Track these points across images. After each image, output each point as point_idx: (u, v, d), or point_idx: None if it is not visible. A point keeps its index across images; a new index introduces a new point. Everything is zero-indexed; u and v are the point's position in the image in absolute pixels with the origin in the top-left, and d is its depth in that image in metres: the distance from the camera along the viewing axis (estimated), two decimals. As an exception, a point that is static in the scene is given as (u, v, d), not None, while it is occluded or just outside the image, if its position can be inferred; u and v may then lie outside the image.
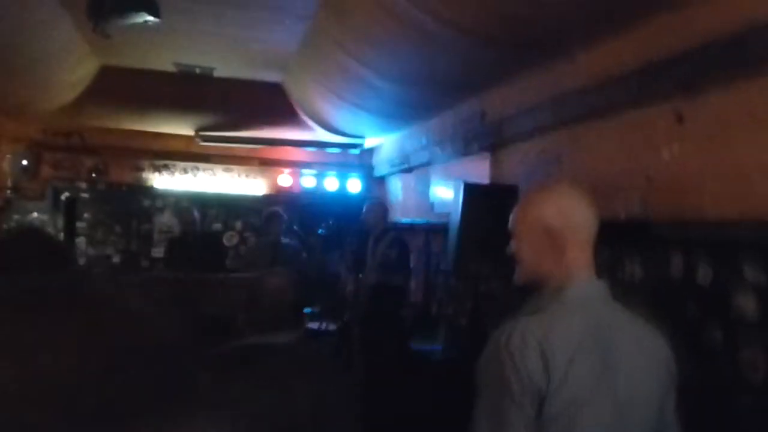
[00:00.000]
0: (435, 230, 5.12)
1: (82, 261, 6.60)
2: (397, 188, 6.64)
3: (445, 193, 5.08)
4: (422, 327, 5.09)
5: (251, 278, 1.80)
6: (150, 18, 2.81)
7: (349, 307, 5.11)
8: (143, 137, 6.59)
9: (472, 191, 3.50)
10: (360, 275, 5.03)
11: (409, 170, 6.06)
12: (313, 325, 5.61)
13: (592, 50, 2.92)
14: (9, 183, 6.33)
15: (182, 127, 6.32)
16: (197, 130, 6.26)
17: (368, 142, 6.60)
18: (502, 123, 3.89)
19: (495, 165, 4.22)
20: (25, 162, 6.43)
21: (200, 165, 6.88)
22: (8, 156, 6.36)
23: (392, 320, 4.72)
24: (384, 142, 6.71)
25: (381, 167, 6.87)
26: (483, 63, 3.54)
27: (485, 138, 4.13)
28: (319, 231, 6.53)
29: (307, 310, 5.79)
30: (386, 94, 4.48)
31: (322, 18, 3.82)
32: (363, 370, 4.63)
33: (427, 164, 5.47)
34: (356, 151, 6.41)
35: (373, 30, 3.59)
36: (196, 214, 5.66)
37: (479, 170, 4.40)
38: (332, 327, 5.44)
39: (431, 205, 5.44)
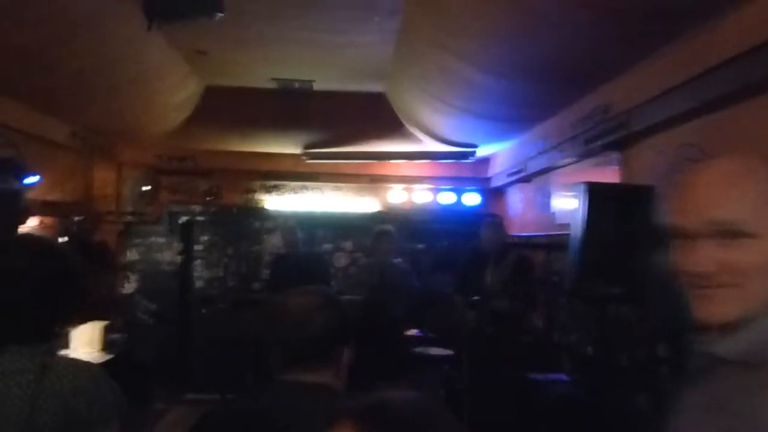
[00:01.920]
0: (556, 244, 4.53)
1: (199, 284, 6.66)
2: (516, 200, 6.08)
3: (567, 202, 4.48)
4: (543, 356, 4.49)
5: (277, 301, 1.42)
6: (212, 14, 2.56)
7: (463, 333, 4.61)
8: (252, 158, 6.55)
9: (596, 194, 2.92)
10: (476, 298, 4.52)
11: (527, 179, 5.50)
12: (421, 350, 5.20)
13: (745, 5, 2.28)
14: (129, 208, 6.51)
15: (288, 146, 6.20)
16: (303, 148, 6.11)
17: (482, 152, 6.12)
18: (630, 115, 3.27)
19: (624, 167, 3.59)
20: (143, 187, 6.60)
21: (309, 184, 6.73)
22: (128, 181, 6.56)
23: (510, 348, 4.18)
24: (499, 152, 6.19)
25: (497, 178, 6.34)
26: (604, 43, 2.97)
27: (610, 135, 3.52)
28: (429, 248, 6.12)
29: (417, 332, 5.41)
30: (494, 93, 4.01)
31: (413, 12, 3.43)
32: (473, 403, 4.13)
33: (546, 171, 4.89)
34: (469, 160, 5.94)
35: (470, 17, 3.15)
36: (300, 234, 5.45)
37: (606, 174, 3.79)
38: (441, 352, 4.99)
39: (552, 217, 4.84)
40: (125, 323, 6.27)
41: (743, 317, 0.94)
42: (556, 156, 4.52)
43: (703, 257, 0.95)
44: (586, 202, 3.00)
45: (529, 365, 4.42)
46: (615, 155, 3.69)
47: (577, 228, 3.10)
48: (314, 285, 1.55)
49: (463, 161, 6.01)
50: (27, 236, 2.89)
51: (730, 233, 0.94)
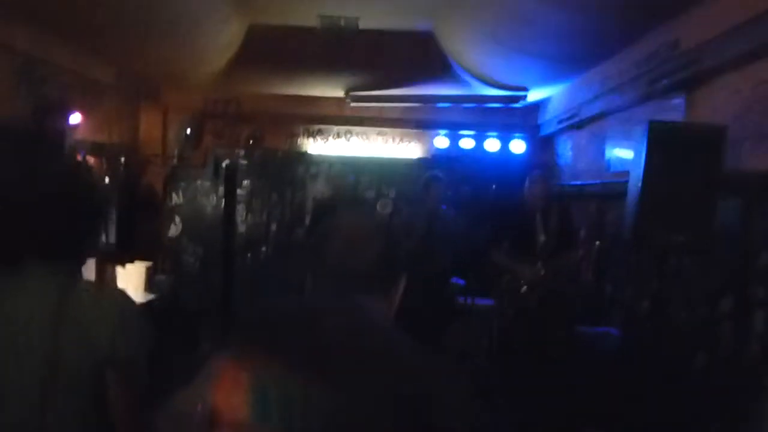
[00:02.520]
0: (610, 194, 4.31)
1: (242, 228, 6.67)
2: (567, 148, 5.83)
3: (624, 149, 4.25)
4: (593, 310, 4.34)
5: (327, 226, 1.32)
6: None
7: (508, 286, 4.46)
8: (296, 102, 6.44)
9: (661, 134, 2.71)
10: (520, 251, 4.37)
11: (579, 126, 5.25)
12: (466, 300, 5.13)
13: None
14: (174, 151, 6.51)
15: (333, 89, 6.05)
16: (347, 91, 5.95)
17: (533, 97, 5.86)
18: (702, 51, 3.02)
19: (692, 108, 3.34)
20: (189, 131, 6.57)
21: (353, 129, 6.60)
22: (174, 125, 6.54)
23: (557, 301, 4.05)
24: (550, 97, 5.92)
25: (548, 125, 6.09)
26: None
27: (678, 73, 3.27)
28: (475, 196, 5.96)
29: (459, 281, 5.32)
30: (550, 28, 3.76)
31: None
32: (518, 355, 4.04)
33: (602, 116, 4.64)
34: (519, 104, 5.70)
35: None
36: (344, 180, 5.36)
37: (670, 118, 3.54)
38: (486, 303, 4.90)
39: (606, 164, 4.61)
40: (171, 266, 6.37)
41: None
42: (614, 99, 4.26)
43: None
44: (649, 143, 2.79)
45: (578, 318, 4.30)
46: (680, 98, 3.43)
47: (637, 171, 2.90)
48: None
49: (512, 105, 5.77)
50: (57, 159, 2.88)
51: None
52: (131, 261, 5.47)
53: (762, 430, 2.52)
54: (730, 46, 2.79)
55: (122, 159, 5.81)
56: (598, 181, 4.74)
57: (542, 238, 4.35)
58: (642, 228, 2.72)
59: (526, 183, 4.48)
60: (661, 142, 2.67)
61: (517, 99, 5.57)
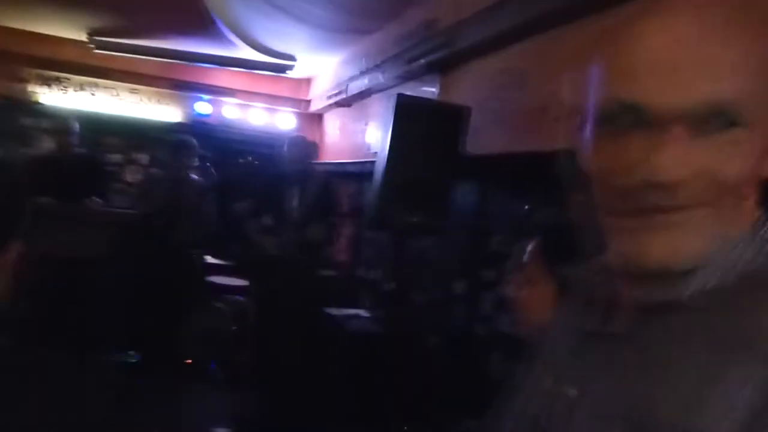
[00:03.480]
0: (367, 173, 4.21)
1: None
2: (333, 126, 5.68)
3: (381, 127, 4.16)
4: (345, 291, 4.22)
5: None
6: None
7: (258, 261, 4.17)
8: (27, 39, 5.38)
9: (406, 108, 2.57)
10: (273, 225, 4.09)
11: (347, 104, 5.10)
12: (214, 280, 4.74)
13: None
14: None
15: (73, 29, 5.16)
16: (90, 34, 5.12)
17: (304, 72, 5.60)
18: (455, 33, 2.96)
19: (444, 91, 3.31)
20: None
21: (99, 81, 5.74)
22: None
23: (308, 281, 3.84)
24: (321, 72, 5.71)
25: (317, 101, 5.88)
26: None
27: (433, 54, 3.20)
28: (233, 169, 5.57)
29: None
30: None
31: None
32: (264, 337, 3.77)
33: (366, 94, 4.52)
34: (286, 73, 5.37)
35: None
36: (78, 136, 4.56)
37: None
38: (235, 283, 4.56)
39: (367, 143, 4.51)
40: None
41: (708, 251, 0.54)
42: (377, 77, 4.15)
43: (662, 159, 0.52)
44: (395, 117, 2.65)
45: (329, 300, 4.13)
46: (436, 79, 3.39)
47: (383, 148, 2.75)
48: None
49: (280, 74, 5.42)
50: None
51: (709, 121, 0.52)
52: None
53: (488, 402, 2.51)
54: (479, 29, 2.75)
55: None
56: (359, 161, 4.63)
57: (297, 211, 4.12)
58: (380, 207, 2.56)
59: (285, 148, 4.22)
60: (406, 117, 2.53)
61: (284, 68, 5.24)
